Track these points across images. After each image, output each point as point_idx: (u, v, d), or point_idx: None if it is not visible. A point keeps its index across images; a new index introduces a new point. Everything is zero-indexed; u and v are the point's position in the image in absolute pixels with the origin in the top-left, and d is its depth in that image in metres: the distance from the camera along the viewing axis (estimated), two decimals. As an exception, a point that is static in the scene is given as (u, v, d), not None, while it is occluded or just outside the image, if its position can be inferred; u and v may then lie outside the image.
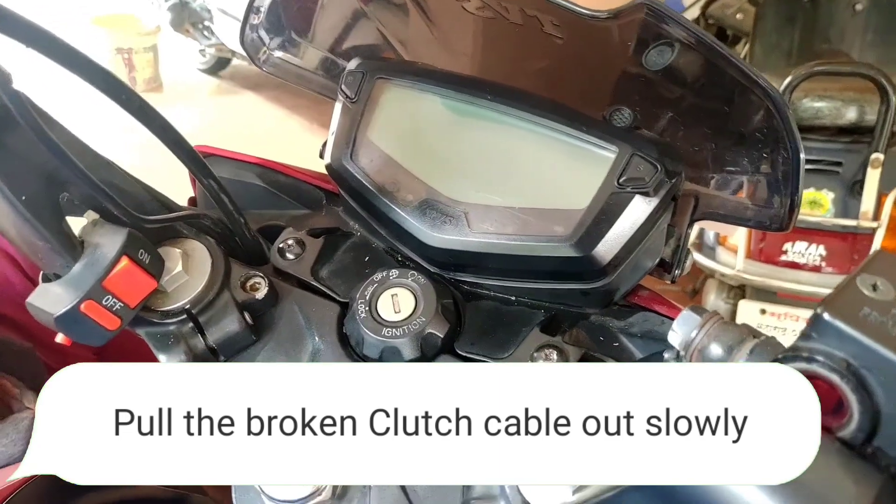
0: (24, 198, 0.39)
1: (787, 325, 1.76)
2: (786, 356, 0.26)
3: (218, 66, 4.01)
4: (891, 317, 0.24)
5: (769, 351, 0.28)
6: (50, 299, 0.41)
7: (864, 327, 0.23)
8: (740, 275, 1.86)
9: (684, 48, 0.42)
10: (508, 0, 0.44)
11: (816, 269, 1.85)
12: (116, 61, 3.55)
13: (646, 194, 0.44)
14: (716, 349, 0.31)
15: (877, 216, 1.71)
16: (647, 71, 0.44)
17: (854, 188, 1.78)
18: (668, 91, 0.46)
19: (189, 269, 0.48)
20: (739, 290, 2.03)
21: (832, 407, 0.24)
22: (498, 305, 0.52)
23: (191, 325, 0.47)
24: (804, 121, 1.84)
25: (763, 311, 1.86)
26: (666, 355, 0.36)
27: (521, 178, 0.48)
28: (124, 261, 0.42)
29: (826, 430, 0.24)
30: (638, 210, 0.44)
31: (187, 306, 0.47)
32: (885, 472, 0.23)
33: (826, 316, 0.24)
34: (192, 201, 0.61)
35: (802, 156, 0.41)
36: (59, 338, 0.44)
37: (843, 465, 0.23)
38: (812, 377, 0.25)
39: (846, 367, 0.24)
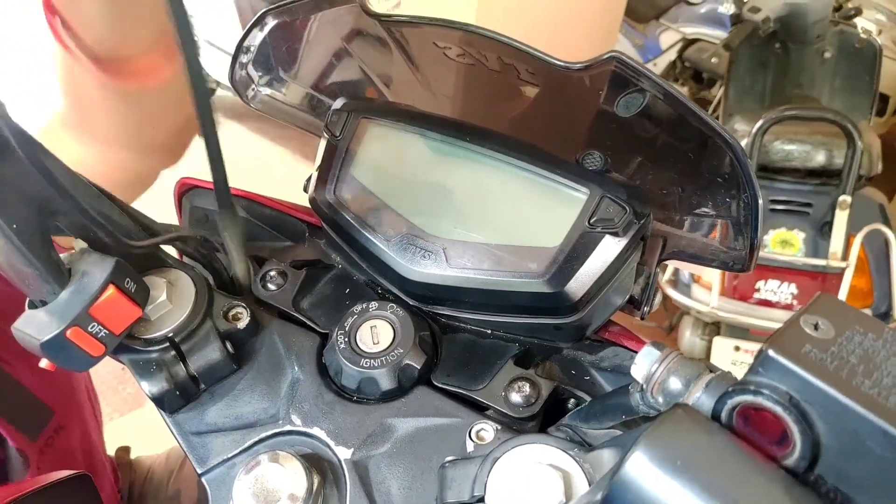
0: (14, 225, 0.40)
1: (759, 362, 1.79)
2: (735, 389, 0.28)
3: (203, 96, 4.02)
4: (830, 354, 0.26)
5: (723, 385, 0.30)
6: (36, 325, 0.42)
7: (805, 364, 0.25)
8: (715, 312, 1.89)
9: (654, 97, 0.44)
10: (487, 49, 0.47)
11: (788, 307, 1.89)
12: (101, 89, 3.56)
13: (615, 234, 0.46)
14: (675, 382, 0.33)
15: (845, 256, 1.77)
16: (618, 118, 0.46)
17: (823, 229, 1.83)
18: (638, 137, 0.48)
19: (173, 298, 0.49)
20: (714, 327, 2.07)
21: (778, 437, 0.26)
22: (474, 338, 0.53)
23: (173, 353, 0.48)
24: (775, 163, 1.90)
25: (737, 348, 1.89)
26: (631, 388, 0.38)
27: (498, 216, 0.50)
28: (111, 289, 0.43)
29: (772, 458, 0.26)
30: (608, 249, 0.46)
31: (170, 334, 0.48)
32: (825, 497, 0.25)
33: (771, 353, 0.26)
34: (178, 232, 0.62)
35: (761, 202, 0.43)
36: (44, 363, 0.44)
37: (787, 491, 0.25)
38: (759, 409, 0.27)
39: (789, 400, 0.26)
